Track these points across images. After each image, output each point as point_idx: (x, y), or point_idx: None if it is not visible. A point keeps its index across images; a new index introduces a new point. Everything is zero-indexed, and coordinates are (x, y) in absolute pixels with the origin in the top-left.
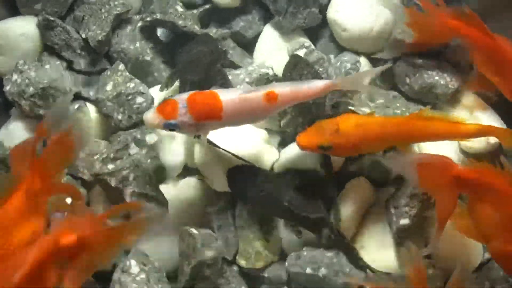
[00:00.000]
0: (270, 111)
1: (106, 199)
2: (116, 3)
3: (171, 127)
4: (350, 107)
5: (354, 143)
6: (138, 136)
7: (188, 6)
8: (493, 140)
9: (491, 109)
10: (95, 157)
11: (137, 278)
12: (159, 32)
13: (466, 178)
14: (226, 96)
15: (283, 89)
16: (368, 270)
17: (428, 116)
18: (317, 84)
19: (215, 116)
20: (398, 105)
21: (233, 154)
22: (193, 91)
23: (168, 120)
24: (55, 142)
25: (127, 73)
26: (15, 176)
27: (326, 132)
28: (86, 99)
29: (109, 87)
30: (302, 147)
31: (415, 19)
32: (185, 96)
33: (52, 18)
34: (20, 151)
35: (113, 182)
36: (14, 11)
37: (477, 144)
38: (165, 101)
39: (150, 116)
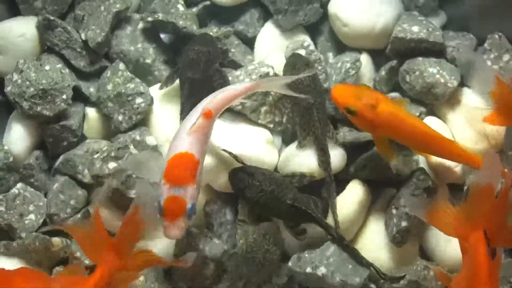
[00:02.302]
0: (213, 123)
1: (107, 200)
2: None
3: (193, 211)
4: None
5: (378, 125)
6: (138, 138)
7: (188, 5)
8: (493, 141)
9: (490, 108)
10: (95, 156)
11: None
12: (162, 34)
13: None
14: (193, 149)
15: (214, 103)
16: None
17: (451, 140)
18: (245, 85)
19: (195, 170)
20: None
21: (233, 155)
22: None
23: (187, 210)
24: (127, 223)
25: (128, 73)
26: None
27: (363, 101)
28: (87, 99)
29: (110, 86)
30: (334, 97)
31: (501, 91)
32: (166, 185)
33: (52, 18)
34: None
35: (114, 183)
36: (13, 9)
37: (477, 145)
38: (168, 208)
39: (173, 232)
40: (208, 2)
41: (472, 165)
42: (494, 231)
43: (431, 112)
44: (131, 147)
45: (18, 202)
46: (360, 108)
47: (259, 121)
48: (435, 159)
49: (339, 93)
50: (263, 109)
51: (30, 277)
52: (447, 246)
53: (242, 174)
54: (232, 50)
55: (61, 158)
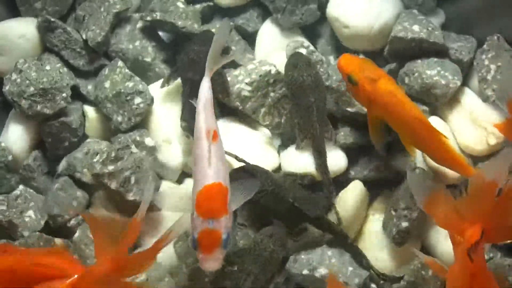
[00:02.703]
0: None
1: (108, 202)
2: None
3: (229, 240)
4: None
5: (375, 101)
6: (138, 138)
7: (190, 2)
8: (492, 142)
9: (491, 109)
10: (95, 160)
11: (136, 280)
12: (161, 32)
13: None
14: (219, 177)
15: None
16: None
17: (444, 138)
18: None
19: (226, 198)
20: None
21: (235, 156)
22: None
23: (222, 241)
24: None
25: (127, 70)
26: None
27: (366, 73)
28: (85, 99)
29: (107, 84)
30: (339, 64)
31: None
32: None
33: (52, 19)
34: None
35: (113, 185)
36: (13, 10)
37: (478, 146)
38: (203, 242)
39: (210, 265)
40: (211, 3)
41: (461, 172)
42: (492, 228)
43: (434, 111)
44: (132, 147)
45: (19, 201)
46: (360, 79)
47: (259, 121)
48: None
49: (346, 61)
50: (262, 110)
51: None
52: (448, 245)
53: (242, 174)
54: (233, 47)
55: (63, 162)
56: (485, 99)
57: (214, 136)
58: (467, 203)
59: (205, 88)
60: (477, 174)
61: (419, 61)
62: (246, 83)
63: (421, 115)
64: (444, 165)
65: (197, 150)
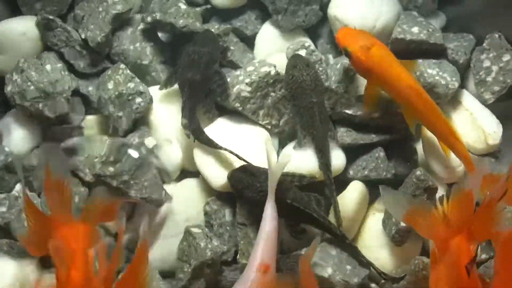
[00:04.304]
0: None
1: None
2: (115, 0)
3: None
4: None
5: (370, 68)
6: (137, 140)
7: (190, 5)
8: (492, 142)
9: (488, 110)
10: (96, 160)
11: None
12: (160, 33)
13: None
14: None
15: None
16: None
17: (438, 109)
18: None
19: None
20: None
21: (235, 154)
22: None
23: None
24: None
25: (128, 71)
26: None
27: (360, 43)
28: (86, 98)
29: (110, 85)
30: (337, 37)
31: None
32: None
33: (51, 17)
34: None
35: (114, 183)
36: (15, 10)
37: (478, 145)
38: None
39: None
40: (209, 6)
41: (452, 144)
42: (475, 234)
43: None
44: (131, 148)
45: (19, 200)
46: (354, 49)
47: (259, 121)
48: (433, 159)
49: (342, 35)
50: (262, 111)
51: None
52: None
53: (241, 174)
54: (232, 48)
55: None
56: (483, 101)
57: (266, 270)
58: (450, 213)
59: (272, 215)
60: (457, 186)
61: (419, 60)
62: (246, 84)
63: (413, 81)
64: (437, 136)
65: (242, 279)
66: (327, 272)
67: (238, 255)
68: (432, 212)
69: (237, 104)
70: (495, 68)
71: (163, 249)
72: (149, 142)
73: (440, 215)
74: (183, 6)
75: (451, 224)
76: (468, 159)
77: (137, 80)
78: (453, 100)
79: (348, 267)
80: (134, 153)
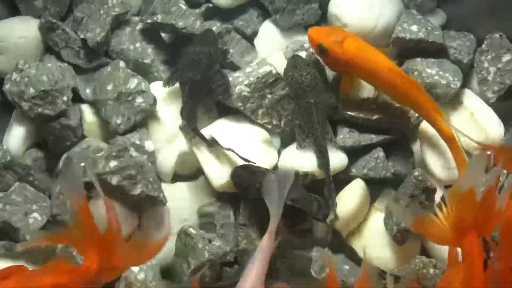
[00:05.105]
0: None
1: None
2: (114, 2)
3: None
4: None
5: (347, 60)
6: (137, 142)
7: (191, 6)
8: (493, 141)
9: (491, 110)
10: (99, 154)
11: (138, 277)
12: (162, 33)
13: None
14: None
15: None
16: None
17: (421, 87)
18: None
19: None
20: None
21: (236, 153)
22: None
23: None
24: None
25: (128, 70)
26: None
27: (332, 37)
28: (85, 99)
29: (110, 86)
30: (309, 36)
31: None
32: None
33: (54, 21)
34: None
35: (114, 180)
36: (13, 8)
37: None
38: None
39: None
40: (210, 5)
41: (438, 125)
42: (485, 228)
43: None
44: (131, 149)
45: (20, 199)
46: (329, 44)
47: (258, 121)
48: (432, 159)
49: (313, 33)
50: (260, 111)
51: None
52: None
53: (244, 173)
54: (231, 50)
55: (62, 159)
56: (486, 100)
57: None
58: (453, 216)
59: (268, 243)
60: (453, 188)
61: (418, 59)
62: (246, 85)
63: (391, 64)
64: (423, 116)
65: None
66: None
67: (238, 256)
68: (437, 220)
69: (239, 104)
70: (492, 69)
71: (164, 251)
72: (148, 146)
73: (444, 219)
74: (183, 7)
75: (458, 226)
76: (453, 139)
77: (139, 77)
78: (455, 100)
79: (346, 267)
80: (134, 153)
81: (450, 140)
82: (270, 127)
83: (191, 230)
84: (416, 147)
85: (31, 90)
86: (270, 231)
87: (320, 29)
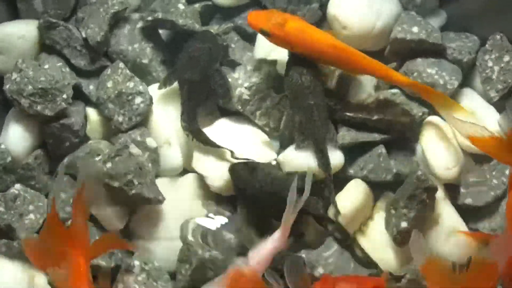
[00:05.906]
0: None
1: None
2: (114, 1)
3: None
4: None
5: (290, 42)
6: (138, 138)
7: (190, 2)
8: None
9: (493, 109)
10: (96, 159)
11: (139, 278)
12: (161, 30)
13: None
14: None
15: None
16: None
17: (365, 55)
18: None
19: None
20: (398, 102)
21: (236, 157)
22: None
23: None
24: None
25: (127, 71)
26: None
27: (273, 21)
28: (88, 99)
29: (110, 84)
30: (249, 21)
31: None
32: None
33: (54, 21)
34: None
35: (116, 185)
36: (12, 8)
37: None
38: None
39: None
40: (209, 2)
41: (391, 78)
42: None
43: (434, 112)
44: (131, 146)
45: (18, 202)
46: (270, 28)
47: (256, 121)
48: (431, 158)
49: (253, 17)
50: (258, 112)
51: None
52: (447, 244)
53: (243, 170)
54: (232, 45)
55: (64, 162)
56: (489, 99)
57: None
58: (468, 279)
59: (280, 236)
60: (478, 257)
61: (419, 59)
62: (246, 87)
63: (334, 40)
64: (380, 77)
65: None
66: (318, 272)
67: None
68: (448, 270)
69: (239, 107)
70: (496, 68)
71: (168, 250)
72: (150, 143)
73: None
74: (181, 7)
75: None
76: (416, 84)
77: (136, 79)
78: (455, 98)
79: (352, 265)
80: (135, 149)
81: (413, 87)
82: (267, 129)
83: (190, 238)
84: (416, 147)
85: (30, 87)
86: (284, 228)
87: (259, 13)
